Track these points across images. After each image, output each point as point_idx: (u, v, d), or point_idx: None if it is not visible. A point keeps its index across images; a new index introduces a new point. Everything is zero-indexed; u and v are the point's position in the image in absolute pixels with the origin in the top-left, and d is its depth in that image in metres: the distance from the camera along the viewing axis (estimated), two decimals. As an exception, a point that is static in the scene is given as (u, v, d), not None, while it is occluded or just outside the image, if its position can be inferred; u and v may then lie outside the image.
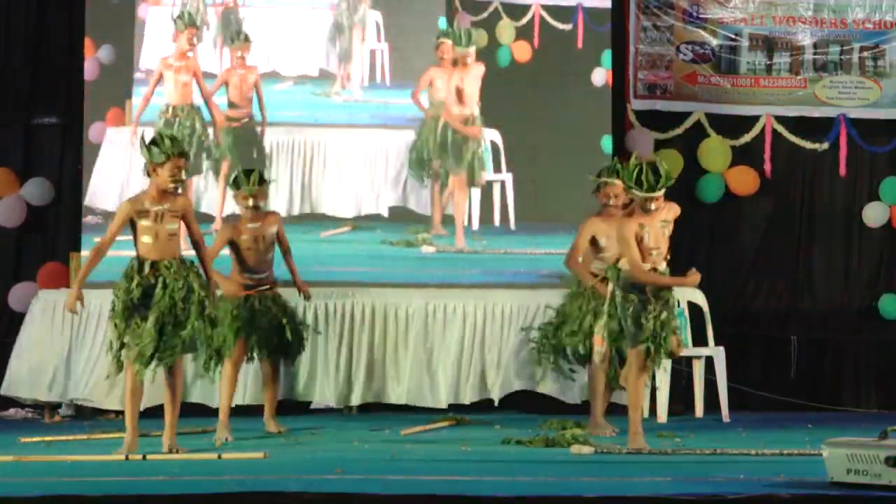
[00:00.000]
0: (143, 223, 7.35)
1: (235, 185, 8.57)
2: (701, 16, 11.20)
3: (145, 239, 7.36)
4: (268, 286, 8.52)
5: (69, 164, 10.62)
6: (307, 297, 8.72)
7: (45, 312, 9.72)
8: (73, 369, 9.64)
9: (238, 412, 9.18)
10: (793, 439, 8.10)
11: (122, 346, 7.35)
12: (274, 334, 8.48)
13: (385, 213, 10.56)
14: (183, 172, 7.45)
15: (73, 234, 10.35)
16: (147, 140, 7.42)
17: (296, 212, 10.47)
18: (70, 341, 9.68)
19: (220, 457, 7.22)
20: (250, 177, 8.50)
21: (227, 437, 8.21)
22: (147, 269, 7.33)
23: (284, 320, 8.51)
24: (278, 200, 10.38)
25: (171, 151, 7.34)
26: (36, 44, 10.76)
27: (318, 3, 10.83)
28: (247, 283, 8.51)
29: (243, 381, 9.33)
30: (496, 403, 9.77)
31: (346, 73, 10.74)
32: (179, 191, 7.57)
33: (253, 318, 8.40)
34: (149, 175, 7.45)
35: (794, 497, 5.68)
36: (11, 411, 9.83)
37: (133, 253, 7.49)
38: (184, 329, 7.33)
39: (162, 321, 7.28)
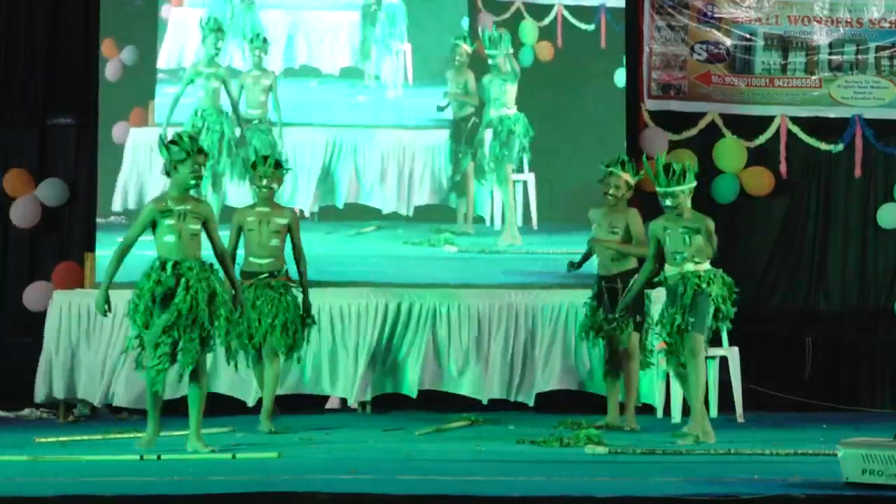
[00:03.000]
0: (167, 222, 7.36)
1: (252, 166, 8.71)
2: (715, 15, 11.19)
3: (168, 238, 7.36)
4: (267, 273, 8.54)
5: (84, 165, 10.68)
6: (305, 320, 8.68)
7: (61, 313, 9.74)
8: (90, 369, 9.67)
9: (252, 409, 9.22)
10: (808, 439, 8.09)
11: (143, 345, 7.36)
12: (265, 323, 8.48)
13: (410, 213, 10.59)
14: (203, 169, 7.47)
15: (88, 234, 10.39)
16: (166, 140, 7.48)
17: (318, 211, 10.52)
18: (87, 341, 9.70)
19: (234, 457, 7.23)
20: (266, 160, 8.67)
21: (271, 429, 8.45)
22: (169, 269, 7.33)
23: (282, 314, 8.52)
24: (302, 199, 10.43)
25: (190, 148, 7.38)
26: (51, 45, 10.81)
27: (344, 4, 10.84)
28: (248, 270, 8.56)
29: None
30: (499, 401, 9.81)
31: (370, 74, 10.76)
32: (199, 191, 7.60)
33: (252, 307, 8.45)
34: (168, 174, 7.48)
35: (808, 497, 5.66)
36: (26, 411, 9.85)
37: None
38: (203, 331, 7.34)
39: (177, 322, 7.28)
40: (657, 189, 8.10)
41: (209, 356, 7.93)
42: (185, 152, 7.38)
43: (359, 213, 10.57)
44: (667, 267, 8.18)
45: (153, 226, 7.42)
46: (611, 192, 8.88)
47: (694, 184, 8.15)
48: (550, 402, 9.85)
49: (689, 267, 8.06)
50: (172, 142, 7.44)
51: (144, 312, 7.34)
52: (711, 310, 8.04)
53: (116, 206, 10.30)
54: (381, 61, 10.73)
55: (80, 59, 10.75)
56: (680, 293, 8.07)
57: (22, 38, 10.83)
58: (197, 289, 7.31)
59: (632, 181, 8.87)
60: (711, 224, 8.14)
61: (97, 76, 10.44)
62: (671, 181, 8.02)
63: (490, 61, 10.58)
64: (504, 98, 10.57)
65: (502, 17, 10.78)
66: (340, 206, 10.58)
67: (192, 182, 7.43)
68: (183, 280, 7.33)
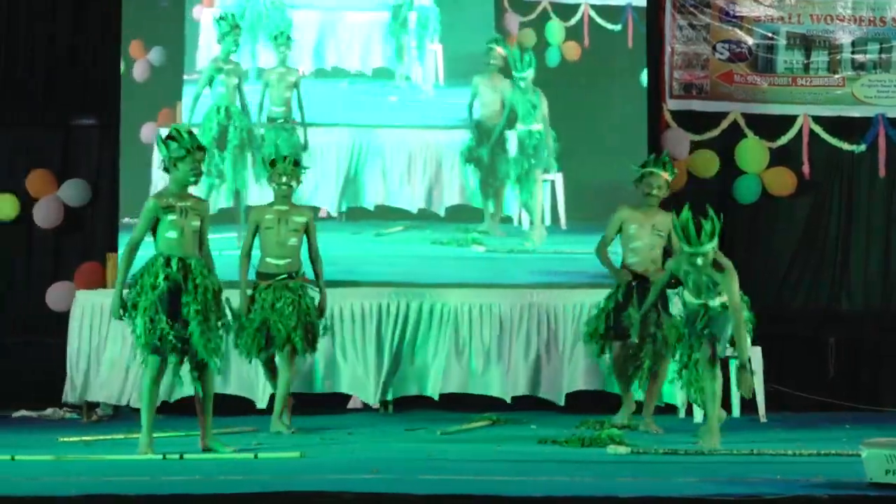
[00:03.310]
0: (170, 218, 7.30)
1: (271, 164, 8.65)
2: (737, 14, 11.16)
3: (171, 234, 7.31)
4: (286, 275, 8.53)
5: (106, 166, 10.73)
6: (320, 315, 8.68)
7: (83, 313, 9.78)
8: (113, 369, 9.69)
9: (262, 409, 9.25)
10: (831, 439, 8.07)
11: (148, 343, 7.26)
12: (287, 325, 8.48)
13: (441, 213, 10.61)
14: (202, 165, 7.43)
15: (110, 234, 10.43)
16: (164, 136, 7.40)
17: (346, 211, 10.56)
18: (109, 341, 9.73)
19: (256, 456, 7.25)
20: (286, 158, 8.66)
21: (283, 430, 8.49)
22: (175, 265, 7.27)
23: (304, 316, 8.51)
24: (329, 199, 10.47)
25: (190, 145, 7.33)
26: (73, 46, 10.87)
27: (375, 4, 10.85)
28: (265, 271, 8.56)
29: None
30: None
31: (402, 74, 10.77)
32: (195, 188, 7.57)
33: (271, 308, 8.45)
34: (167, 171, 7.44)
35: (832, 498, 5.66)
36: (50, 411, 9.90)
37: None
38: (221, 326, 7.35)
39: (201, 318, 7.23)
40: (685, 248, 7.66)
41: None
42: (184, 149, 7.32)
43: (387, 214, 10.59)
44: (687, 295, 7.94)
45: (154, 223, 7.35)
46: (654, 192, 8.70)
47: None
48: (574, 403, 9.83)
49: (715, 302, 7.83)
50: (171, 138, 7.36)
51: (150, 309, 7.23)
52: (731, 325, 7.85)
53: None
54: (413, 62, 10.74)
55: (103, 59, 10.79)
56: (699, 326, 7.91)
57: (44, 39, 10.87)
58: (206, 286, 7.30)
59: (671, 179, 8.80)
60: (735, 283, 7.69)
61: (119, 77, 10.48)
62: (703, 240, 7.62)
63: (521, 83, 10.51)
64: (531, 116, 10.52)
65: (529, 17, 10.77)
66: (368, 206, 10.59)
67: (192, 179, 7.38)
68: (191, 276, 7.28)
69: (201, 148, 7.42)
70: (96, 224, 10.79)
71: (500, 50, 10.57)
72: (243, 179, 10.34)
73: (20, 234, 10.83)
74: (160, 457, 7.18)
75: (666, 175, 8.77)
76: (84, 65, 10.88)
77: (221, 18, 10.35)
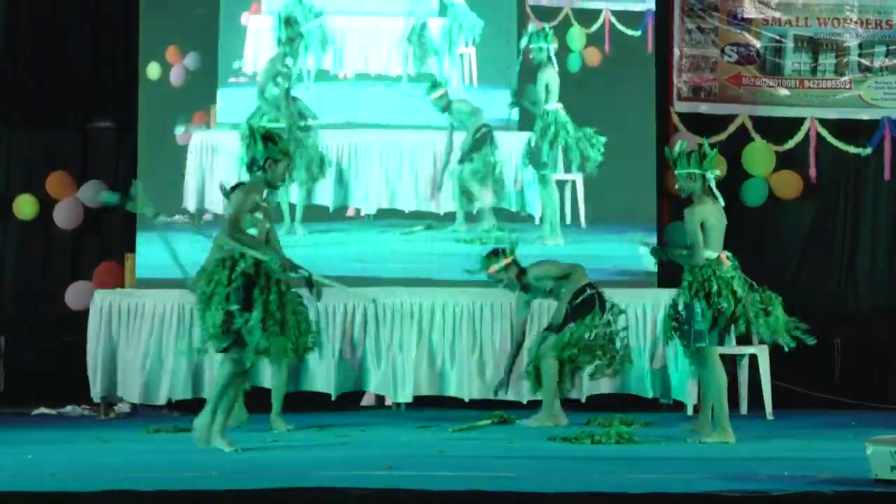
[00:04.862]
0: (256, 216, 7.21)
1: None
2: (745, 17, 11.22)
3: (251, 231, 7.20)
4: None
5: (125, 167, 10.82)
6: None
7: (101, 312, 9.88)
8: (131, 366, 9.80)
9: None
10: (837, 437, 8.13)
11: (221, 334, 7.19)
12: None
13: (474, 210, 10.69)
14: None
15: (129, 235, 10.51)
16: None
17: (376, 212, 10.67)
18: (127, 339, 9.83)
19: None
20: None
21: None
22: (251, 261, 7.15)
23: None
24: (360, 200, 10.63)
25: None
26: (94, 48, 10.97)
27: (409, 10, 10.91)
28: None
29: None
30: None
31: (436, 77, 10.84)
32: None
33: None
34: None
35: (837, 494, 5.67)
36: (69, 408, 9.99)
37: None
38: (288, 325, 7.31)
39: (265, 317, 7.15)
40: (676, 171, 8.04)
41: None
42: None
43: (417, 214, 10.66)
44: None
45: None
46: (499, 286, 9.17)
47: None
48: (589, 401, 9.91)
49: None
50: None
51: (223, 302, 7.10)
52: (700, 311, 7.95)
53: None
54: (445, 65, 10.82)
55: (122, 62, 10.89)
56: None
57: (65, 41, 10.98)
58: (278, 280, 7.20)
59: (502, 264, 9.05)
60: (696, 217, 7.96)
61: (138, 80, 10.56)
62: (689, 164, 7.93)
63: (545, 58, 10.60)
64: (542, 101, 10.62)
65: (551, 23, 10.83)
66: (399, 206, 10.67)
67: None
68: (264, 274, 7.18)
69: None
70: (114, 225, 10.89)
71: (439, 94, 10.61)
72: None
73: (39, 235, 10.94)
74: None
75: (502, 263, 9.11)
76: (104, 67, 10.99)
77: (288, 23, 10.40)
